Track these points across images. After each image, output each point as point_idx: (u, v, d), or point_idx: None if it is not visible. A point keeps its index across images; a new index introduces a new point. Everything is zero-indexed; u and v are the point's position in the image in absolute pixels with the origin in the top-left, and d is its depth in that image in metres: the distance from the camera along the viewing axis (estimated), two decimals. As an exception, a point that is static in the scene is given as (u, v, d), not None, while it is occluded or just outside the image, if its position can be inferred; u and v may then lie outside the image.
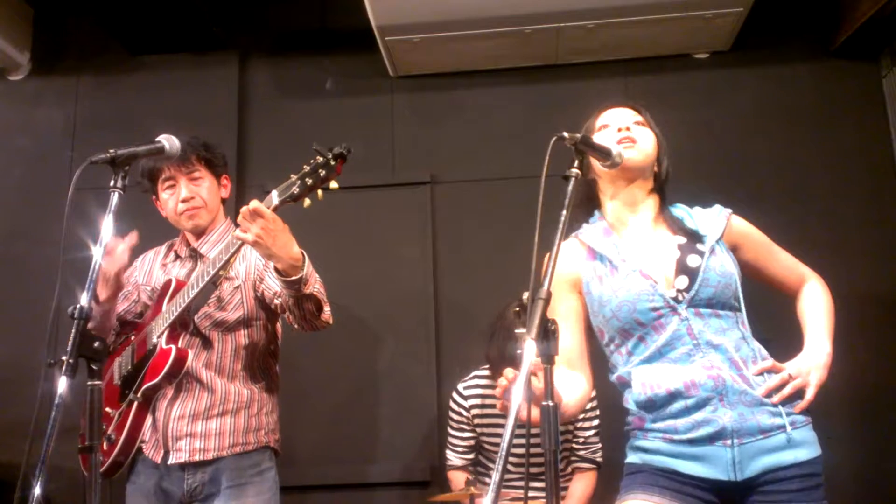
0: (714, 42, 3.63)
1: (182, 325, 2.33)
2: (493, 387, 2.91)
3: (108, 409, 2.34)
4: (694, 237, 1.83)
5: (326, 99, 3.85)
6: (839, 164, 3.55)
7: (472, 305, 3.47)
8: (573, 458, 2.89)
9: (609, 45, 3.58)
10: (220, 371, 2.37)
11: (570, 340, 1.86)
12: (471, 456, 2.97)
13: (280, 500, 2.42)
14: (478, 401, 2.92)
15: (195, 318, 2.35)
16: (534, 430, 1.44)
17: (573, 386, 1.81)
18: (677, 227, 1.86)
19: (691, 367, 1.73)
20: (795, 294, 1.94)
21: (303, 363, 3.40)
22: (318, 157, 2.00)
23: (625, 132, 1.85)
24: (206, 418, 2.33)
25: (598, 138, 1.85)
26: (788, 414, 1.73)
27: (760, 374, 1.75)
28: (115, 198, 1.82)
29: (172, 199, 2.43)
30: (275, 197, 2.03)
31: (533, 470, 2.58)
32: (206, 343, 2.36)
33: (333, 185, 2.01)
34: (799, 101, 3.63)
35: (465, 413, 2.94)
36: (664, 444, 1.75)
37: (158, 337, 2.30)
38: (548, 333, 1.44)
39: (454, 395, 2.99)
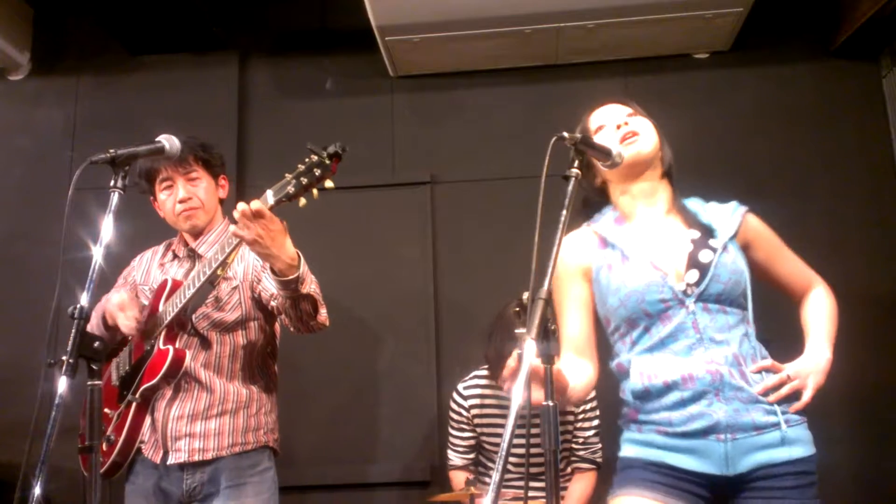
0: (714, 42, 3.63)
1: (180, 325, 2.33)
2: (492, 387, 2.92)
3: (106, 410, 2.34)
4: (707, 232, 1.83)
5: (326, 99, 3.85)
6: (839, 164, 3.55)
7: (472, 305, 3.47)
8: (573, 459, 2.89)
9: (609, 45, 3.58)
10: (219, 371, 2.37)
11: (578, 329, 1.88)
12: (472, 455, 2.97)
13: (279, 500, 2.42)
14: (477, 401, 2.92)
15: (193, 318, 2.35)
16: (534, 431, 1.44)
17: (580, 372, 1.82)
18: (692, 220, 1.87)
19: (691, 359, 1.74)
20: (800, 299, 1.95)
21: (303, 363, 3.40)
22: (312, 157, 1.99)
23: (625, 128, 1.86)
24: (205, 418, 2.33)
25: (598, 139, 1.85)
26: (783, 412, 1.74)
27: (759, 372, 1.76)
28: (115, 198, 1.82)
29: (170, 199, 2.42)
30: (270, 196, 2.02)
31: (533, 470, 2.58)
32: (205, 343, 2.36)
33: (329, 184, 2.00)
34: (799, 101, 3.63)
35: (465, 413, 2.94)
36: (658, 437, 1.76)
37: (156, 337, 2.30)
38: (548, 333, 1.44)
39: (454, 395, 2.99)
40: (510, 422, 1.35)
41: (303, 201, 2.01)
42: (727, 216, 1.88)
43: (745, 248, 1.87)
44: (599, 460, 2.88)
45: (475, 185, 3.70)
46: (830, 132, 3.58)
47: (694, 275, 1.77)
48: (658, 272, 1.78)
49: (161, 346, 2.28)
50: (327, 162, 1.97)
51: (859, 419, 3.26)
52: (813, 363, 1.82)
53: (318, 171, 1.97)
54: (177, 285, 2.33)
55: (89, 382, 1.70)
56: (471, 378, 2.99)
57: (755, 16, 3.41)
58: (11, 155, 3.82)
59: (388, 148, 3.77)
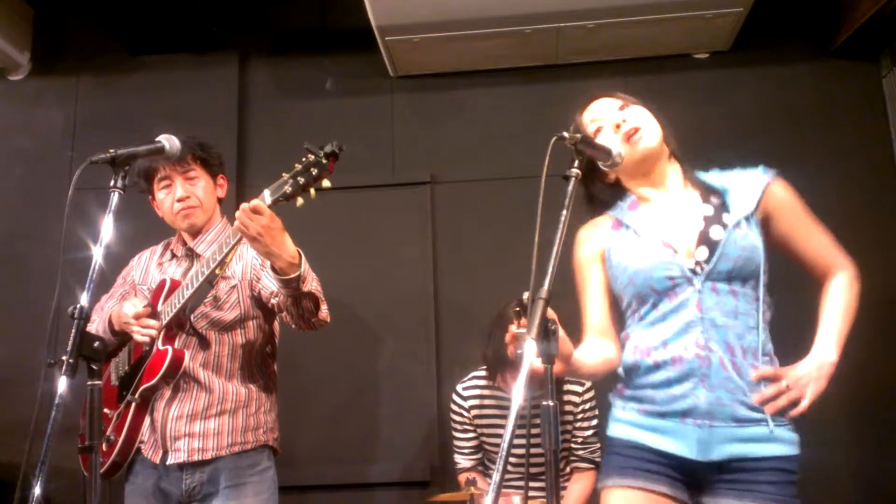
0: (714, 42, 3.63)
1: (178, 325, 2.33)
2: (491, 387, 2.92)
3: (106, 411, 2.34)
4: (723, 207, 1.81)
5: (326, 99, 3.85)
6: (839, 164, 3.55)
7: (472, 305, 3.46)
8: (572, 458, 2.89)
9: (609, 45, 3.58)
10: (218, 370, 2.37)
11: (600, 314, 1.92)
12: (478, 455, 2.97)
13: (279, 500, 2.42)
14: (477, 401, 2.92)
15: (191, 317, 2.35)
16: (534, 431, 1.45)
17: (598, 348, 1.86)
18: (708, 194, 1.85)
19: (684, 340, 1.74)
20: (822, 282, 1.85)
21: (303, 363, 3.40)
22: (309, 156, 2.00)
23: (624, 125, 1.84)
24: (205, 418, 2.33)
25: (611, 144, 1.83)
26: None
27: (760, 380, 1.72)
28: (115, 198, 1.83)
29: (168, 198, 2.43)
30: (267, 196, 2.02)
31: (533, 470, 2.58)
32: (204, 343, 2.36)
33: (326, 183, 2.00)
34: (799, 101, 3.63)
35: (465, 413, 2.94)
36: (637, 416, 1.80)
37: (155, 338, 2.30)
38: (548, 333, 1.45)
39: (454, 396, 2.99)
40: (510, 422, 1.35)
41: (300, 201, 2.01)
42: (747, 187, 1.82)
43: (767, 220, 1.82)
44: (598, 460, 2.88)
45: (475, 185, 3.70)
46: (830, 132, 3.58)
47: (703, 252, 1.76)
48: (668, 250, 1.79)
49: (160, 347, 2.28)
50: (324, 161, 1.97)
51: (859, 419, 3.25)
52: (815, 368, 1.75)
53: (315, 171, 1.98)
54: (175, 285, 2.33)
55: (89, 382, 1.70)
56: (470, 379, 2.99)
57: (755, 16, 3.41)
58: (11, 155, 3.82)
59: (388, 148, 3.77)
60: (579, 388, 2.86)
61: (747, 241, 1.76)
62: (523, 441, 1.51)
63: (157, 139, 1.98)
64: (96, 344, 1.70)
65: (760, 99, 3.63)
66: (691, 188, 1.88)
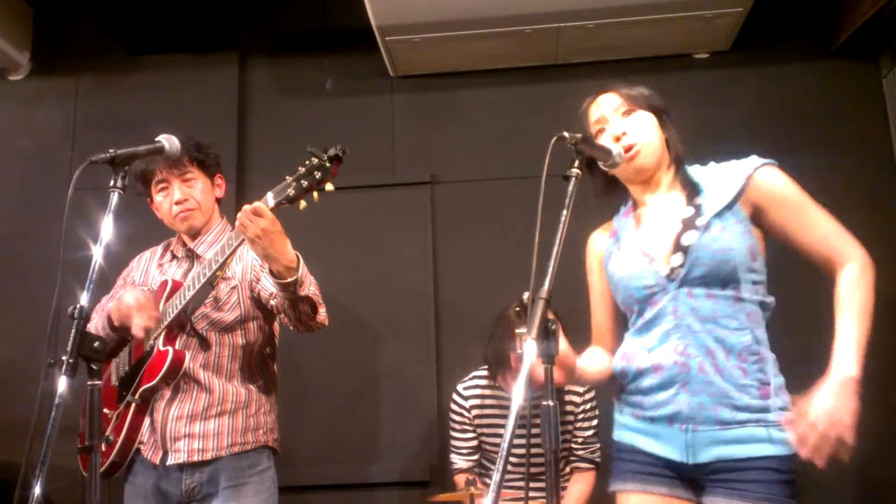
0: (714, 42, 3.63)
1: (179, 325, 2.33)
2: (492, 387, 2.92)
3: (105, 411, 2.34)
4: (699, 208, 1.78)
5: (326, 99, 3.85)
6: (839, 163, 3.54)
7: (472, 306, 3.46)
8: (572, 458, 2.89)
9: (609, 45, 3.58)
10: (218, 371, 2.37)
11: (599, 319, 1.98)
12: (475, 457, 2.97)
13: (279, 501, 2.42)
14: (477, 401, 2.92)
15: (192, 318, 2.35)
16: (534, 431, 1.45)
17: (593, 357, 1.90)
18: (694, 193, 1.81)
19: (664, 348, 1.74)
20: (831, 275, 1.72)
21: (303, 363, 3.40)
22: (313, 159, 2.00)
23: (624, 139, 1.82)
24: (205, 419, 2.33)
25: (611, 144, 1.83)
26: (757, 410, 1.69)
27: (786, 423, 1.61)
28: (115, 198, 1.83)
29: (166, 201, 2.42)
30: (270, 199, 2.03)
31: (533, 470, 2.58)
32: (204, 343, 2.36)
33: (329, 186, 2.00)
34: (799, 101, 3.63)
35: (465, 413, 2.93)
36: (631, 420, 1.82)
37: (155, 339, 2.30)
38: (548, 333, 1.45)
39: (454, 396, 2.99)
40: (510, 422, 1.35)
41: (303, 204, 2.01)
42: (726, 180, 1.76)
43: (759, 213, 1.75)
44: (598, 460, 2.88)
45: (475, 185, 3.70)
46: (830, 132, 3.58)
47: (678, 258, 1.74)
48: (645, 258, 1.80)
49: (161, 348, 2.28)
50: (328, 165, 1.97)
51: (860, 419, 3.25)
52: (839, 392, 1.61)
53: (318, 174, 1.98)
54: (177, 286, 2.34)
55: (89, 382, 1.70)
56: (470, 378, 2.99)
57: (755, 16, 3.41)
58: (11, 155, 3.82)
59: (388, 148, 3.77)
60: (580, 389, 2.87)
61: (720, 244, 1.71)
62: (523, 441, 1.51)
63: (156, 139, 1.97)
64: (96, 344, 1.70)
65: (760, 99, 3.63)
66: (679, 189, 1.86)
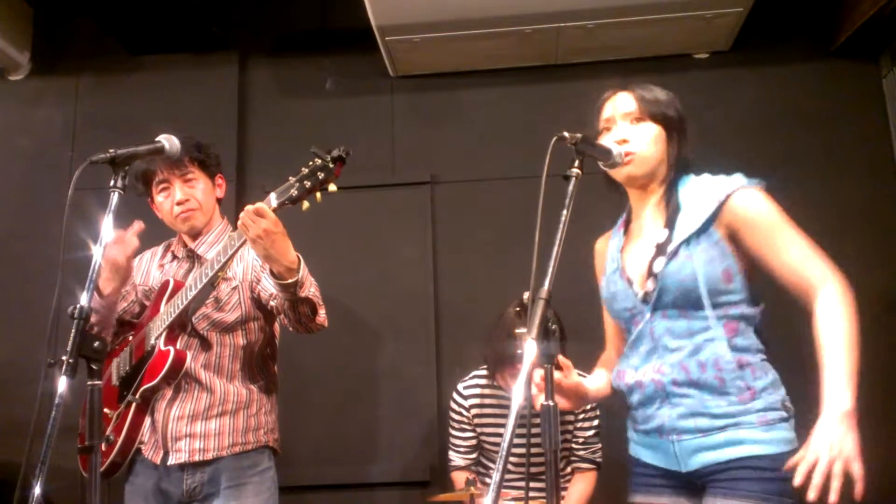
0: (714, 42, 3.64)
1: (180, 326, 2.33)
2: (492, 387, 2.92)
3: (106, 410, 2.34)
4: (671, 232, 1.78)
5: (326, 99, 3.85)
6: (839, 164, 3.55)
7: (472, 306, 3.47)
8: (573, 458, 2.89)
9: (609, 45, 3.58)
10: (219, 371, 2.37)
11: (607, 331, 2.03)
12: (473, 456, 2.97)
13: (279, 500, 2.42)
14: (477, 400, 2.92)
15: (193, 319, 2.35)
16: (534, 430, 1.45)
17: (597, 376, 1.99)
18: (674, 213, 1.80)
19: (645, 367, 1.80)
20: (806, 301, 1.68)
21: (303, 363, 3.40)
22: (316, 160, 2.01)
23: (624, 146, 1.81)
24: (206, 419, 2.33)
25: (604, 139, 1.83)
26: (734, 415, 1.71)
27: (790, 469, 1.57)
28: (115, 198, 1.82)
29: (167, 201, 2.42)
30: (273, 199, 2.04)
31: (533, 470, 2.58)
32: (205, 344, 2.36)
33: (332, 187, 2.02)
34: (799, 101, 3.63)
35: (465, 413, 2.94)
36: (633, 433, 1.89)
37: (157, 338, 2.30)
38: (548, 333, 1.45)
39: (454, 395, 2.99)
40: (511, 422, 1.36)
41: (306, 204, 2.03)
42: (700, 203, 1.74)
43: (734, 235, 1.73)
44: (599, 460, 2.88)
45: (475, 185, 3.70)
46: (830, 132, 3.58)
47: (651, 283, 1.78)
48: (624, 281, 1.84)
49: (162, 347, 2.28)
50: (331, 166, 1.99)
51: (860, 419, 3.25)
52: (838, 427, 1.58)
53: (321, 175, 1.99)
54: (178, 286, 2.34)
55: (89, 382, 1.70)
56: (470, 378, 2.99)
57: (755, 16, 3.41)
58: (11, 155, 3.82)
59: (388, 148, 3.77)
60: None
61: (685, 272, 1.71)
62: (523, 441, 1.51)
63: (156, 139, 1.97)
64: (96, 344, 1.70)
65: (760, 99, 3.63)
66: (663, 208, 1.84)
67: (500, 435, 2.45)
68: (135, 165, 2.30)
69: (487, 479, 2.92)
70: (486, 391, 2.92)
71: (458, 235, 3.66)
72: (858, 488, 1.53)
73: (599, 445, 2.88)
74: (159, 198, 2.44)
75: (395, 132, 3.80)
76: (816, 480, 1.50)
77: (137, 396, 2.29)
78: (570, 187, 1.60)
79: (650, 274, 1.77)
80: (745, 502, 1.65)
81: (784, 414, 1.72)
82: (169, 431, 2.31)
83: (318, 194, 2.02)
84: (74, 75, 3.91)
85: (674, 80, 3.66)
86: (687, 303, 1.73)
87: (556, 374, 1.82)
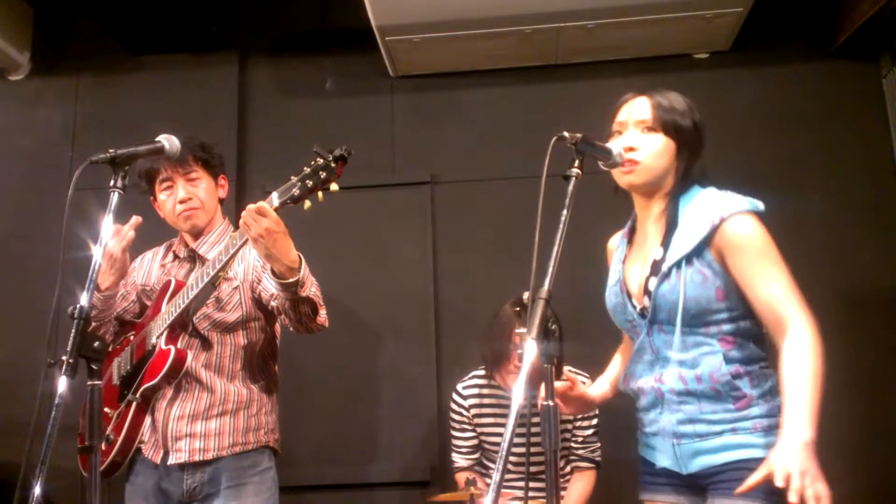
0: (714, 42, 3.63)
1: (181, 325, 2.34)
2: (491, 386, 2.92)
3: (106, 410, 2.35)
4: (666, 251, 1.79)
5: (326, 99, 3.85)
6: (839, 164, 3.55)
7: (472, 306, 3.46)
8: (572, 458, 2.89)
9: (609, 45, 3.58)
10: (220, 371, 2.37)
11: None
12: (476, 455, 2.97)
13: (279, 500, 2.42)
14: (476, 400, 2.93)
15: (194, 318, 2.35)
16: (533, 430, 1.45)
17: (598, 386, 2.07)
18: (671, 229, 1.81)
19: (647, 375, 1.86)
20: (774, 336, 1.72)
21: (303, 363, 3.40)
22: (318, 159, 2.01)
23: (629, 153, 1.81)
24: (206, 418, 2.33)
25: (612, 144, 1.81)
26: (731, 421, 1.75)
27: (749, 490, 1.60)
28: (115, 198, 1.83)
29: (170, 200, 2.43)
30: (275, 198, 2.04)
31: (533, 469, 2.58)
32: (206, 344, 2.36)
33: (334, 187, 2.03)
34: (799, 101, 3.63)
35: (465, 413, 2.94)
36: (641, 435, 1.94)
37: (157, 337, 2.30)
38: (548, 333, 1.45)
39: (454, 395, 2.99)
40: (510, 422, 1.36)
41: (307, 204, 2.03)
42: (696, 225, 1.75)
43: (723, 259, 1.74)
44: (599, 459, 2.88)
45: (475, 185, 3.70)
46: (830, 132, 3.58)
47: (646, 300, 1.81)
48: (624, 295, 1.88)
49: (163, 347, 2.29)
50: (333, 165, 2.00)
51: (860, 419, 3.25)
52: (798, 454, 1.57)
53: (323, 174, 2.00)
54: (180, 286, 2.34)
55: (89, 382, 1.70)
56: (469, 378, 2.99)
57: (755, 16, 3.40)
58: (11, 155, 3.82)
59: (388, 148, 3.77)
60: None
61: (676, 295, 1.74)
62: (523, 440, 1.51)
63: (156, 139, 1.98)
64: (96, 344, 1.70)
65: (760, 99, 3.63)
66: (663, 223, 1.84)
67: (500, 435, 2.45)
68: (139, 163, 2.31)
69: (488, 479, 2.92)
70: (486, 391, 2.92)
71: (458, 235, 3.66)
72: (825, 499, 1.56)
73: (598, 445, 2.89)
74: (162, 196, 2.45)
75: (395, 132, 3.79)
76: (797, 485, 1.53)
77: (138, 395, 2.30)
78: (570, 187, 1.60)
79: (645, 291, 1.81)
80: (744, 502, 1.66)
81: (781, 419, 1.72)
82: (169, 431, 2.31)
83: (320, 194, 2.02)
84: (74, 75, 3.91)
85: (674, 80, 3.66)
86: (680, 321, 1.76)
87: (560, 384, 1.92)
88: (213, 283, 2.27)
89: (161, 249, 2.59)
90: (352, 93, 3.84)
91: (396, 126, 3.80)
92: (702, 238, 1.73)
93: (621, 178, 1.84)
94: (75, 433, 2.11)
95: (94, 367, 1.70)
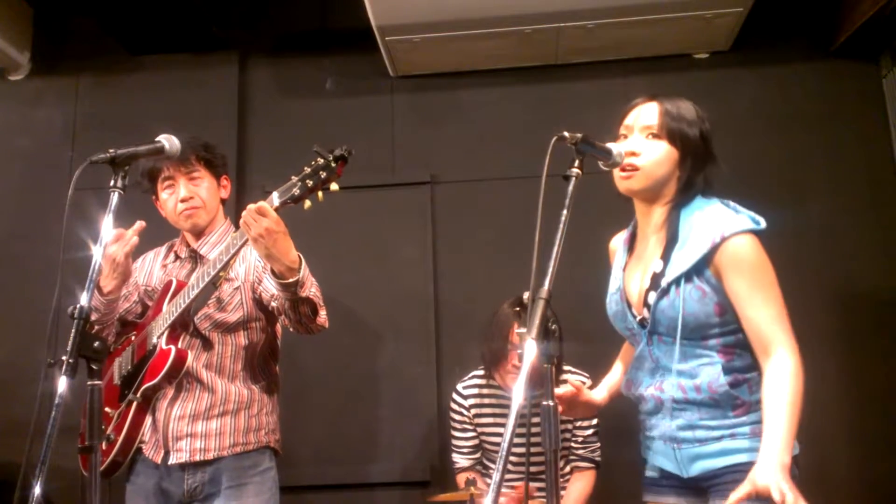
0: (714, 42, 3.63)
1: (182, 325, 2.34)
2: (491, 386, 2.92)
3: (107, 409, 2.35)
4: (666, 265, 1.80)
5: (326, 99, 3.85)
6: (839, 164, 3.55)
7: (472, 306, 3.46)
8: (572, 458, 2.89)
9: (609, 45, 3.58)
10: (221, 371, 2.37)
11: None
12: (476, 455, 2.97)
13: (280, 500, 2.42)
14: (476, 400, 2.93)
15: (195, 319, 2.35)
16: (533, 430, 1.45)
17: (599, 392, 2.08)
18: (672, 242, 1.81)
19: (648, 384, 1.87)
20: (759, 359, 1.74)
21: (303, 363, 3.40)
22: (318, 159, 2.02)
23: (631, 158, 1.80)
24: (207, 418, 2.33)
25: (612, 144, 1.81)
26: (730, 427, 1.77)
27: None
28: (115, 198, 1.83)
29: (172, 198, 2.43)
30: (275, 198, 2.05)
31: (533, 469, 2.58)
32: (207, 344, 2.36)
33: (334, 186, 2.03)
34: (799, 101, 3.63)
35: (465, 413, 2.94)
36: (644, 438, 1.96)
37: (158, 337, 2.30)
38: (548, 333, 1.45)
39: (454, 395, 2.99)
40: (510, 422, 1.36)
41: (308, 203, 2.04)
42: (700, 242, 1.74)
43: (720, 277, 1.75)
44: (598, 459, 2.88)
45: (475, 185, 3.70)
46: (830, 132, 3.58)
47: (646, 311, 1.83)
48: (623, 304, 1.89)
49: (163, 346, 2.29)
50: (333, 165, 2.00)
51: (859, 419, 3.25)
52: (776, 474, 1.58)
53: (323, 174, 2.00)
54: (181, 286, 2.34)
55: (89, 382, 1.70)
56: (469, 378, 2.99)
57: (755, 16, 3.40)
58: (11, 155, 3.82)
59: (388, 148, 3.77)
60: (571, 377, 2.86)
61: (674, 311, 1.75)
62: (523, 440, 1.51)
63: (156, 139, 1.98)
64: (96, 344, 1.70)
65: (760, 99, 3.63)
66: (664, 233, 1.84)
67: (500, 434, 2.45)
68: (141, 162, 2.31)
69: (488, 479, 2.92)
70: (485, 391, 2.93)
71: (458, 235, 3.66)
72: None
73: (598, 444, 2.89)
74: (164, 194, 2.45)
75: (395, 132, 3.79)
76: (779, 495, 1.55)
77: (139, 395, 2.30)
78: (570, 187, 1.60)
79: (644, 303, 1.83)
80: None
81: None
82: (170, 431, 2.31)
83: (321, 193, 2.03)
84: (74, 75, 3.91)
85: (674, 80, 3.69)
86: (679, 334, 1.77)
87: (565, 389, 1.95)
88: (214, 284, 2.28)
89: (162, 250, 2.59)
90: (352, 93, 3.84)
91: (396, 126, 3.80)
92: (702, 256, 1.74)
93: (620, 183, 1.84)
94: (75, 433, 2.11)
95: (94, 367, 1.70)
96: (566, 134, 1.61)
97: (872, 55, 3.63)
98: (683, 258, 1.76)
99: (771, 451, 1.61)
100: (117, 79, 3.89)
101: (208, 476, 2.32)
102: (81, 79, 3.91)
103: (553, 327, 1.47)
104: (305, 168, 2.03)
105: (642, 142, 1.83)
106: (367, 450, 3.48)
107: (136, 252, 2.61)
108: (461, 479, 2.95)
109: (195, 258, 2.47)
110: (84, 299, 1.71)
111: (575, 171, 1.61)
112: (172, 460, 2.31)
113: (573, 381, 2.01)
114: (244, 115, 3.85)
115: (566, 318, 2.57)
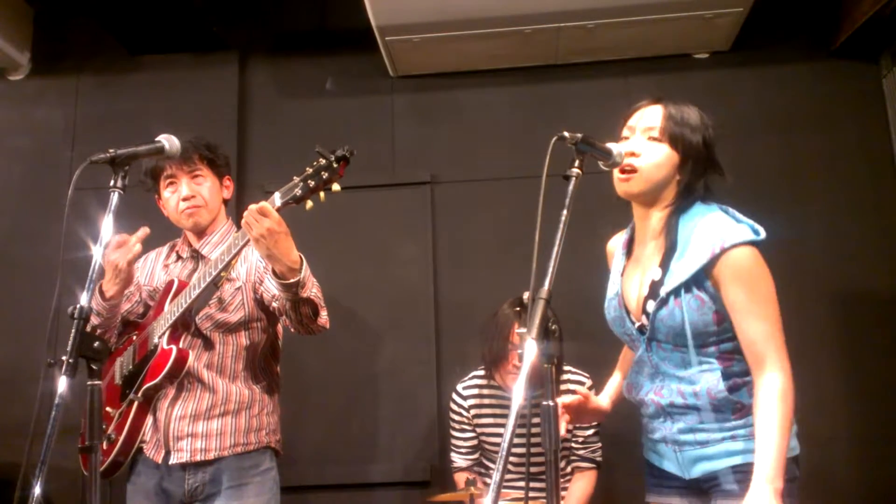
0: (714, 42, 3.63)
1: (184, 325, 2.34)
2: (491, 386, 2.92)
3: (108, 409, 2.35)
4: (665, 274, 1.79)
5: (326, 99, 3.85)
6: (839, 164, 3.55)
7: (472, 306, 3.46)
8: (573, 458, 2.89)
9: (609, 45, 3.58)
10: (222, 372, 2.37)
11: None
12: (475, 456, 2.97)
13: (280, 500, 2.42)
14: (476, 400, 2.93)
15: (196, 319, 2.35)
16: (534, 430, 1.45)
17: (607, 388, 2.09)
18: (671, 249, 1.80)
19: (648, 389, 1.88)
20: (753, 371, 1.73)
21: (304, 363, 3.40)
22: (320, 160, 2.02)
23: (630, 159, 1.80)
24: (208, 418, 2.33)
25: (612, 144, 1.80)
26: (730, 429, 1.78)
27: None
28: (115, 198, 1.83)
29: (174, 197, 2.43)
30: (277, 198, 2.05)
31: (533, 470, 2.58)
32: (208, 344, 2.37)
33: (336, 187, 2.04)
34: (799, 101, 3.63)
35: (465, 413, 2.94)
36: (647, 440, 1.97)
37: (160, 337, 2.30)
38: (548, 333, 1.45)
39: (454, 395, 2.99)
40: (510, 422, 1.36)
41: (309, 204, 2.04)
42: (700, 252, 1.73)
43: (718, 288, 1.74)
44: (599, 459, 2.88)
45: (475, 185, 3.70)
46: (830, 132, 3.58)
47: (644, 319, 1.83)
48: (622, 310, 1.89)
49: (164, 346, 2.29)
50: (335, 165, 2.00)
51: (859, 419, 3.26)
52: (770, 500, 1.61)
53: (325, 175, 2.01)
54: (183, 285, 2.35)
55: (89, 382, 1.70)
56: (469, 378, 2.99)
57: (755, 16, 3.40)
58: (11, 155, 3.82)
59: (388, 148, 3.77)
60: (579, 387, 2.86)
61: (673, 320, 1.76)
62: (523, 440, 1.51)
63: (156, 139, 1.98)
64: (96, 344, 1.70)
65: (760, 99, 3.63)
66: (663, 240, 1.83)
67: (500, 435, 2.45)
68: (144, 161, 2.32)
69: (488, 479, 2.92)
70: (485, 391, 2.92)
71: (457, 235, 3.66)
72: None
73: (599, 444, 2.89)
74: (166, 193, 2.45)
75: (395, 132, 3.80)
76: None
77: (140, 395, 2.30)
78: (570, 187, 1.60)
79: (643, 311, 1.83)
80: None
81: None
82: (171, 431, 2.32)
83: (322, 194, 2.03)
84: (74, 75, 3.91)
85: (674, 80, 3.69)
86: (678, 342, 1.79)
87: (569, 398, 1.94)
88: (215, 284, 2.28)
89: (164, 249, 2.59)
90: (352, 93, 3.84)
91: (396, 126, 3.80)
92: (701, 266, 1.73)
93: (619, 186, 1.84)
94: (75, 433, 2.11)
95: (94, 366, 1.70)
96: (566, 134, 1.61)
97: (872, 55, 3.63)
98: (682, 268, 1.75)
99: (763, 477, 1.62)
100: (117, 79, 3.89)
101: (209, 476, 2.32)
102: (81, 79, 3.91)
103: (553, 327, 1.47)
104: (307, 168, 2.03)
105: (643, 143, 1.83)
106: (367, 450, 3.48)
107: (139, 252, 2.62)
108: (459, 478, 2.96)
109: (197, 258, 2.47)
110: (84, 299, 1.71)
111: (575, 171, 1.61)
112: (173, 460, 2.31)
113: (579, 389, 2.03)
114: (244, 114, 3.85)
115: (566, 318, 2.57)
